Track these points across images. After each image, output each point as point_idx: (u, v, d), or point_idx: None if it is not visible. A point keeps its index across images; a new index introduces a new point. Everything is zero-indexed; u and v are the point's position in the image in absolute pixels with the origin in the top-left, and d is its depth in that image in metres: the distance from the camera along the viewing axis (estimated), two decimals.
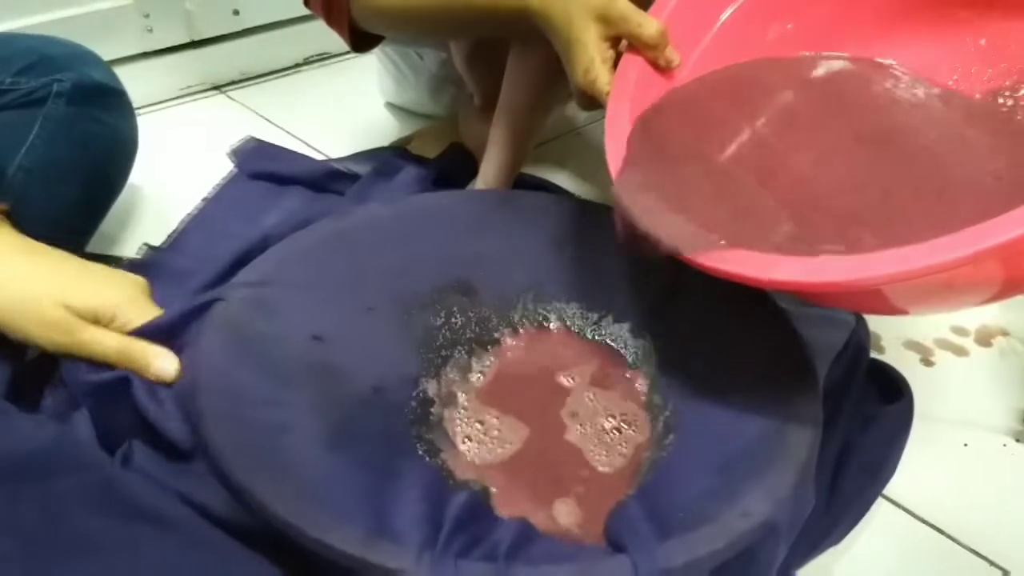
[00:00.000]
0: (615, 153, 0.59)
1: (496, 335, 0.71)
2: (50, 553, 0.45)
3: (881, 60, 0.70)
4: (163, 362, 0.58)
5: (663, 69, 0.64)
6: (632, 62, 0.63)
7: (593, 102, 0.63)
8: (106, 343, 0.58)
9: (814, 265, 0.49)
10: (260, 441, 0.53)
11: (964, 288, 0.49)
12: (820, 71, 0.69)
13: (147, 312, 0.60)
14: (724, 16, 0.68)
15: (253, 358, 0.59)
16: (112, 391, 0.58)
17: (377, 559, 0.45)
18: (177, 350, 0.59)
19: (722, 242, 0.52)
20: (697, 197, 0.57)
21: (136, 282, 0.62)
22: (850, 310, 0.71)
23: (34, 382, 0.62)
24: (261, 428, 0.54)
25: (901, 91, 0.68)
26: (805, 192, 0.59)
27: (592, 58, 0.62)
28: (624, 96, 0.62)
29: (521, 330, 0.72)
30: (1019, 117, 0.65)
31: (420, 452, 0.61)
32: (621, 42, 0.64)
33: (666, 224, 0.54)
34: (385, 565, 0.45)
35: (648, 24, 0.62)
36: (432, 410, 0.65)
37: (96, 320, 0.58)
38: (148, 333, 0.59)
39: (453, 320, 0.70)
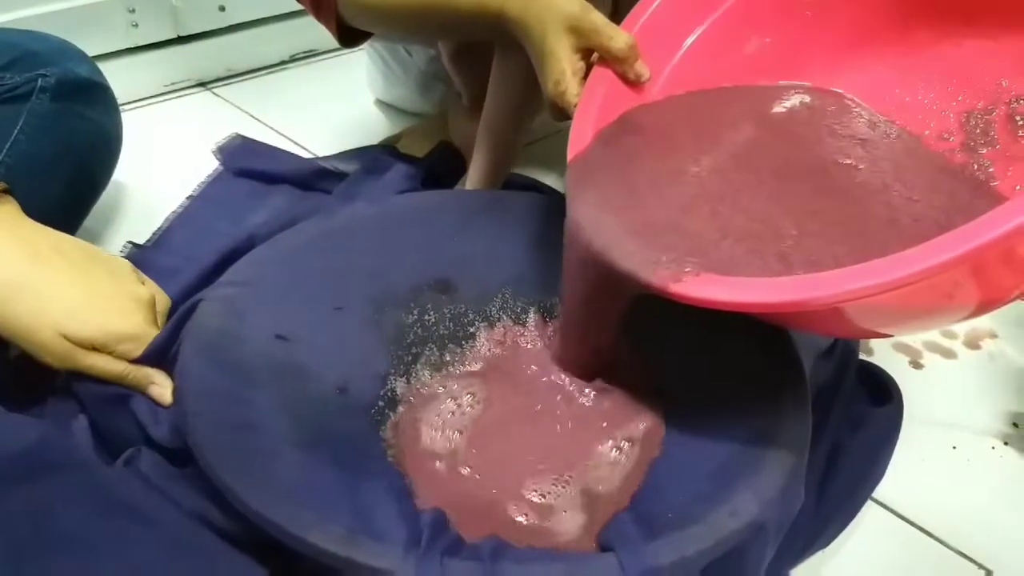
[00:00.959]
0: (574, 167, 0.60)
1: (472, 330, 0.71)
2: (36, 552, 0.45)
3: (843, 93, 0.71)
4: (157, 390, 0.60)
5: (632, 83, 0.64)
6: (601, 76, 0.63)
7: (563, 114, 0.63)
8: (105, 371, 0.60)
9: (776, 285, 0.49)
10: (237, 441, 0.52)
11: (919, 309, 0.49)
12: (779, 106, 0.69)
13: (150, 337, 0.61)
14: (697, 32, 0.68)
15: (225, 359, 0.58)
16: (115, 404, 0.60)
17: (362, 558, 0.45)
18: (173, 360, 0.60)
19: (688, 269, 0.52)
20: (648, 219, 0.57)
21: (139, 300, 0.62)
22: (821, 334, 0.70)
23: (17, 381, 0.62)
24: (236, 428, 0.54)
25: (856, 129, 0.68)
26: (733, 224, 0.59)
27: (563, 70, 0.62)
28: (590, 110, 0.62)
29: (498, 325, 0.71)
30: (982, 149, 0.65)
31: (388, 455, 0.61)
32: (594, 54, 0.64)
33: (619, 245, 0.54)
34: (370, 564, 0.45)
35: (618, 37, 0.62)
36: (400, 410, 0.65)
37: (96, 349, 0.59)
38: (146, 359, 0.60)
39: (427, 317, 0.70)
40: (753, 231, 0.58)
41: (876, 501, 0.67)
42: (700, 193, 0.60)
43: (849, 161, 0.65)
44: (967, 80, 0.68)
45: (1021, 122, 0.64)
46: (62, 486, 0.48)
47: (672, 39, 0.67)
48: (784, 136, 0.67)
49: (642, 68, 0.63)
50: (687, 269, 0.51)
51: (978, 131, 0.66)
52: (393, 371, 0.66)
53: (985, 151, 0.65)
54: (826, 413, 0.67)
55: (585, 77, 0.63)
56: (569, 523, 0.56)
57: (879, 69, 0.70)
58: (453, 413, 0.64)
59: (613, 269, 0.54)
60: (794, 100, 0.70)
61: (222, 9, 1.26)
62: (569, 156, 0.60)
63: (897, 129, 0.68)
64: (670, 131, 0.64)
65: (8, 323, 0.58)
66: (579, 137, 0.61)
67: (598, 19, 0.62)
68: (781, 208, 0.60)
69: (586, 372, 0.66)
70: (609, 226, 0.56)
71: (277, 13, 1.31)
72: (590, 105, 0.62)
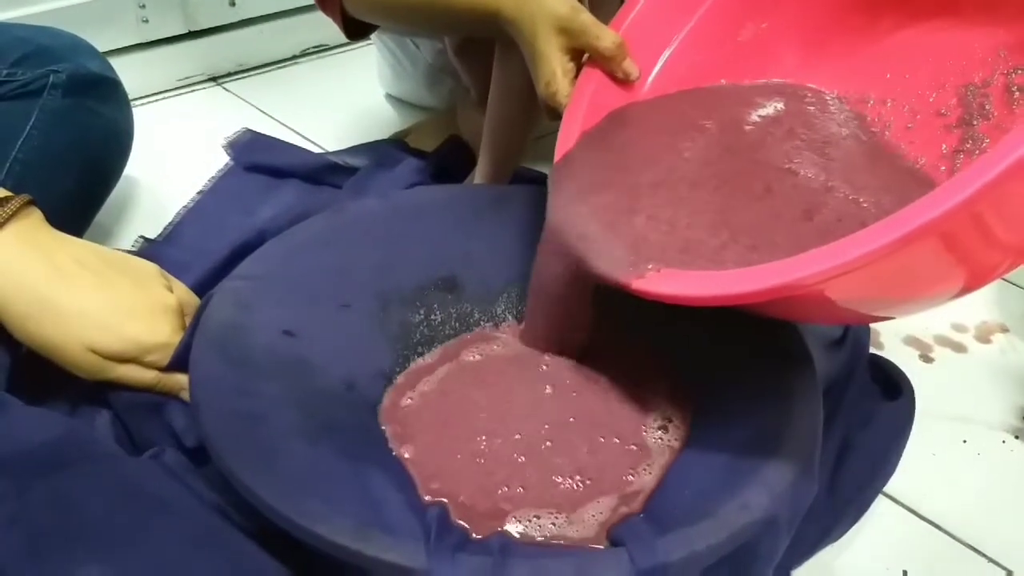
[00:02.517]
0: (558, 167, 0.60)
1: (477, 330, 0.71)
2: (58, 542, 0.45)
3: (823, 90, 0.70)
4: (188, 395, 0.60)
5: (622, 82, 0.64)
6: (590, 75, 0.64)
7: (556, 114, 0.64)
8: (135, 380, 0.60)
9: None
10: (245, 431, 0.52)
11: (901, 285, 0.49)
12: (753, 107, 0.69)
13: (176, 343, 0.61)
14: (686, 28, 0.68)
15: (233, 352, 0.58)
16: (148, 411, 0.61)
17: (372, 551, 0.45)
18: None
19: (650, 266, 0.52)
20: (616, 217, 0.57)
21: (166, 308, 0.62)
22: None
23: (32, 374, 0.62)
24: (244, 419, 0.54)
25: (822, 131, 0.67)
26: (682, 225, 0.58)
27: (553, 71, 0.63)
28: (578, 110, 0.62)
29: (503, 324, 0.71)
30: (977, 123, 0.64)
31: (392, 449, 0.61)
32: (585, 54, 0.64)
33: (588, 241, 0.55)
34: (381, 558, 0.45)
35: (605, 36, 0.62)
36: None
37: (125, 360, 0.60)
38: (174, 366, 0.61)
39: (433, 316, 0.70)
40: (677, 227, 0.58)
41: (886, 495, 0.67)
42: (664, 194, 0.60)
43: (789, 165, 0.64)
44: (966, 52, 0.67)
45: (1017, 94, 0.64)
46: (85, 477, 0.49)
47: (661, 36, 0.68)
48: (736, 140, 0.66)
49: (630, 67, 0.64)
50: (649, 266, 0.52)
51: (975, 104, 0.65)
52: (399, 369, 0.67)
53: (980, 124, 0.64)
54: (836, 407, 0.67)
55: (576, 78, 0.64)
56: (581, 520, 0.57)
57: (880, 46, 0.70)
58: (457, 410, 0.64)
59: (580, 264, 0.55)
60: (771, 101, 0.69)
61: (232, 4, 1.26)
62: (556, 156, 0.61)
63: (867, 131, 0.68)
64: (647, 131, 0.65)
65: (36, 341, 0.58)
66: (566, 137, 0.61)
67: (587, 19, 0.62)
68: (706, 210, 0.60)
69: (563, 350, 0.67)
70: (580, 221, 0.57)
71: (287, 8, 1.32)
72: (579, 105, 0.63)
